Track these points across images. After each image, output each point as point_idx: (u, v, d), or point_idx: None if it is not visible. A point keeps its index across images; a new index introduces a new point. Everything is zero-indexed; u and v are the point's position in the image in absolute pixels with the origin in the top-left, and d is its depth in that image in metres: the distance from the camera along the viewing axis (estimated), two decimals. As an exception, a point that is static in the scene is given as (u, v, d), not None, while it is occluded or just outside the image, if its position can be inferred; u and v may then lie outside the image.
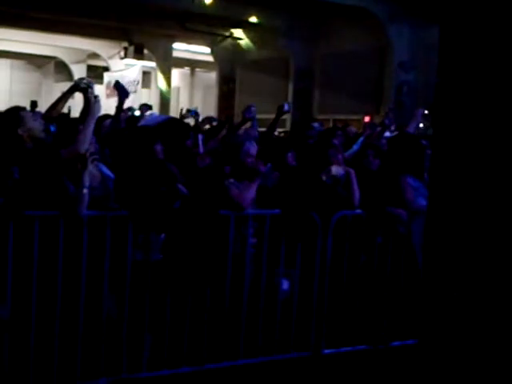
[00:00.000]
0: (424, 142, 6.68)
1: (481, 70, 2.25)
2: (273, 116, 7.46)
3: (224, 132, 8.29)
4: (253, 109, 6.82)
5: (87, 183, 4.88)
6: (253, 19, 20.41)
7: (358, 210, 6.07)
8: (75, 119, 5.86)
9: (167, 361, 5.34)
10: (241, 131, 6.86)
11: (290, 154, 6.19)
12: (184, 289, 5.36)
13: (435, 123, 2.42)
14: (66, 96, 5.72)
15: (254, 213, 5.67)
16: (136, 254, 5.18)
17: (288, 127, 16.37)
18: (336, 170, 6.01)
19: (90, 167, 4.96)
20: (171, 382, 5.28)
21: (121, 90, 6.67)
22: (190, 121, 9.47)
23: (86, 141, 5.02)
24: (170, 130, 5.94)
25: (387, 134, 7.62)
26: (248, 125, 7.29)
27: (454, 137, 2.35)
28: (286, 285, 5.83)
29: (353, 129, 8.86)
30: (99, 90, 21.53)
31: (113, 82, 24.15)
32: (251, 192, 5.58)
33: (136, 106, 12.55)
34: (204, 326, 5.47)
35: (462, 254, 2.46)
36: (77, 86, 5.51)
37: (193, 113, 8.96)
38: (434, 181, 2.55)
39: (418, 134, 7.31)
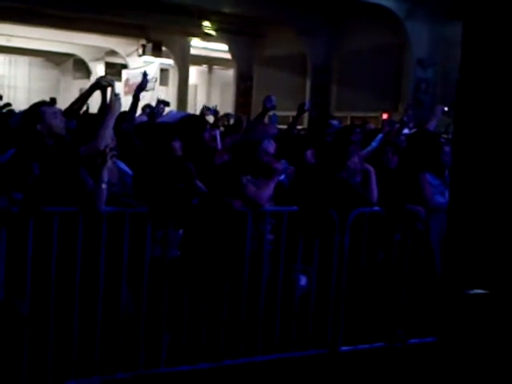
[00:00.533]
0: (443, 139, 6.64)
1: (504, 66, 2.23)
2: (290, 113, 7.47)
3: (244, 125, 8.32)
4: (273, 98, 6.73)
5: (106, 178, 4.90)
6: (271, 17, 20.41)
7: (376, 208, 6.06)
8: (94, 116, 5.89)
9: (185, 357, 5.36)
10: (260, 128, 6.80)
11: (309, 152, 6.18)
12: (202, 285, 5.37)
13: (457, 120, 2.41)
14: (87, 94, 5.75)
15: (272, 210, 5.67)
16: (154, 251, 5.20)
17: (305, 124, 16.34)
18: (353, 163, 6.01)
19: (109, 163, 4.99)
20: (189, 377, 5.29)
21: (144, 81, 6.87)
22: (209, 118, 9.51)
23: (106, 138, 5.04)
24: (188, 126, 5.95)
25: (406, 131, 7.59)
26: (266, 120, 7.27)
27: (476, 134, 2.34)
28: (303, 280, 5.83)
29: (371, 126, 8.84)
30: (117, 87, 21.60)
31: (131, 80, 24.17)
32: (269, 190, 5.58)
33: (154, 103, 12.56)
34: (222, 323, 5.48)
35: (482, 251, 2.44)
36: (98, 84, 5.54)
37: (212, 111, 9.01)
38: (455, 179, 2.54)
39: (437, 132, 7.28)
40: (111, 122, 5.14)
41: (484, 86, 2.27)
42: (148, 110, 10.04)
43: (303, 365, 5.66)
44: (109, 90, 5.48)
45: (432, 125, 7.29)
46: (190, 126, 5.99)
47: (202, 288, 5.38)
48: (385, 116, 18.58)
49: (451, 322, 2.46)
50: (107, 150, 4.94)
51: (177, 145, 5.48)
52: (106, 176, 4.90)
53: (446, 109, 7.37)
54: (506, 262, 2.42)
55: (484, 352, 2.43)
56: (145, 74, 7.17)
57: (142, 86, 6.81)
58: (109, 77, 5.78)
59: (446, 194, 6.12)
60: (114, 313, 5.09)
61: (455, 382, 2.54)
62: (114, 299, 5.09)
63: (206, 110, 8.93)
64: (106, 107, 5.36)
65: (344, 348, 5.97)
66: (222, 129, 8.10)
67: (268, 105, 6.70)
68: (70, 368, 4.95)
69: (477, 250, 2.44)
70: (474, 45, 2.32)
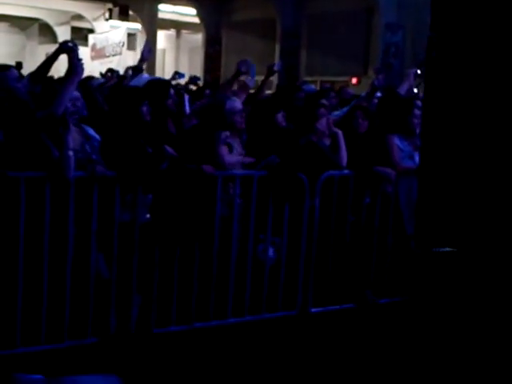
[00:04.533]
0: (419, 102, 6.62)
1: (474, 22, 2.22)
2: (259, 77, 7.37)
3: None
4: (249, 61, 6.45)
5: (71, 145, 4.85)
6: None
7: (346, 171, 6.07)
8: (57, 80, 5.80)
9: (156, 320, 5.37)
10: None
11: (279, 115, 6.12)
12: (172, 249, 5.37)
13: (427, 78, 2.39)
14: (52, 59, 5.67)
15: (241, 174, 5.66)
16: (124, 215, 5.18)
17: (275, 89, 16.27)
18: (322, 125, 6.00)
19: (73, 129, 4.95)
20: (159, 340, 5.30)
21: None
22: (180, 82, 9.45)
23: (63, 103, 4.98)
24: (156, 89, 5.88)
25: (378, 94, 7.56)
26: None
27: (447, 93, 2.33)
28: (271, 252, 5.85)
29: (350, 90, 8.77)
30: (84, 52, 21.27)
31: (98, 44, 23.67)
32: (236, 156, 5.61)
33: (121, 68, 12.41)
34: (193, 286, 5.49)
35: (452, 210, 2.46)
36: (61, 49, 5.48)
37: (182, 76, 8.97)
38: (426, 137, 2.53)
39: (410, 95, 7.24)
40: (70, 86, 5.10)
41: (455, 43, 2.26)
42: (110, 75, 9.92)
43: (273, 326, 5.70)
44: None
45: (403, 88, 7.26)
46: (155, 90, 5.90)
47: (173, 252, 5.38)
48: (354, 80, 18.57)
49: (421, 280, 2.48)
50: (67, 115, 4.89)
51: (145, 109, 5.44)
52: (70, 142, 4.85)
53: (418, 72, 7.32)
54: (475, 221, 2.44)
55: (453, 309, 2.46)
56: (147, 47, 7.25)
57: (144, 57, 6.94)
58: (72, 41, 5.69)
59: (416, 158, 6.14)
60: (85, 278, 5.07)
61: (425, 339, 2.58)
62: (84, 264, 5.07)
63: (176, 75, 8.90)
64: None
65: (314, 309, 6.02)
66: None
67: (242, 68, 6.43)
68: (39, 332, 4.94)
69: (447, 209, 2.45)
70: (443, 2, 2.30)
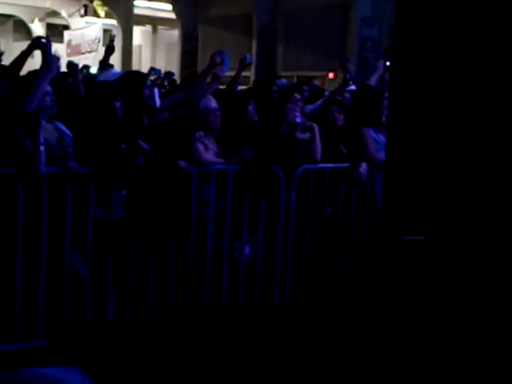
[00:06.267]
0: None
1: (440, 9, 2.22)
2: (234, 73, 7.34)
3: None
4: (223, 51, 6.31)
5: (42, 140, 4.82)
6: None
7: (321, 164, 6.07)
8: (28, 76, 5.74)
9: (131, 316, 5.35)
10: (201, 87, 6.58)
11: (250, 108, 6.09)
12: (147, 245, 5.35)
13: (393, 65, 2.39)
14: (25, 55, 5.63)
15: (216, 169, 5.64)
16: (98, 212, 5.15)
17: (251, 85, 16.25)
18: (293, 116, 5.97)
19: (44, 124, 4.91)
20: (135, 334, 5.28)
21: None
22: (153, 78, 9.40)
23: (35, 100, 4.95)
24: (129, 82, 5.83)
25: (353, 87, 7.55)
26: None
27: (411, 79, 2.33)
28: (247, 250, 5.84)
29: (316, 83, 8.80)
30: (60, 48, 21.10)
31: (73, 41, 23.44)
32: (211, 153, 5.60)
33: (96, 64, 12.33)
34: (168, 283, 5.48)
35: (418, 200, 2.47)
36: (34, 45, 5.46)
37: (158, 72, 8.95)
38: (392, 126, 2.53)
39: (380, 87, 7.25)
40: (43, 82, 5.07)
41: (420, 30, 2.26)
42: (85, 72, 9.89)
43: (251, 318, 5.68)
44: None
45: (373, 80, 7.26)
46: (131, 81, 5.85)
47: (148, 248, 5.36)
48: (331, 75, 18.60)
49: (386, 267, 2.48)
50: (38, 111, 4.87)
51: (118, 105, 5.40)
52: (42, 137, 4.82)
53: (388, 63, 7.33)
54: (441, 210, 2.45)
55: (417, 297, 2.47)
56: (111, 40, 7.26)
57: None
58: (45, 37, 5.66)
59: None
60: (59, 275, 5.04)
61: (390, 328, 2.58)
62: (58, 261, 5.04)
63: (152, 71, 8.85)
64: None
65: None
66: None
67: (216, 59, 6.28)
68: (14, 330, 4.90)
69: (413, 198, 2.46)
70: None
